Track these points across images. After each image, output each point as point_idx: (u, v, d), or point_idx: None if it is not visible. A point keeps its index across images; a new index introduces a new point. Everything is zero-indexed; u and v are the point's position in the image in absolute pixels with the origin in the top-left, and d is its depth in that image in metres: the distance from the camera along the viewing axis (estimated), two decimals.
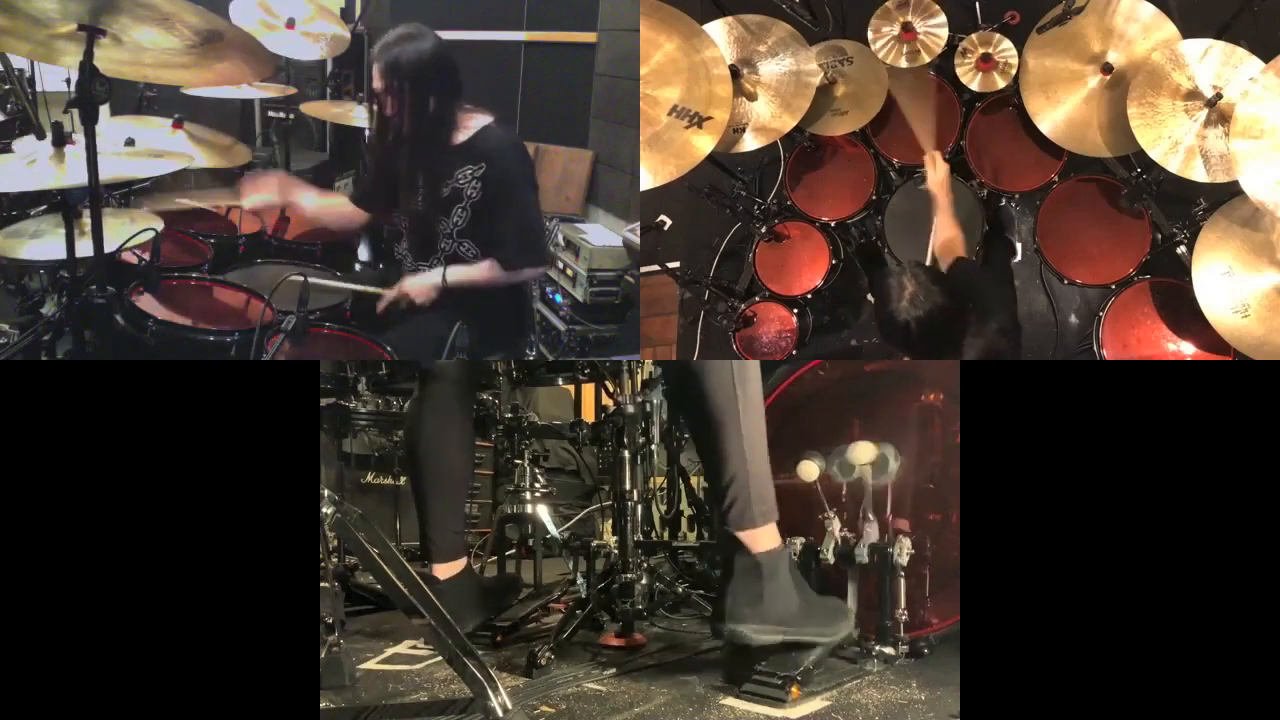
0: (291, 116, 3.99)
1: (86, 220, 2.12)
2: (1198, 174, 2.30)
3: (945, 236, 2.57)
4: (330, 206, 2.90)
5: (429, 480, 2.29)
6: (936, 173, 2.66)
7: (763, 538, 1.87)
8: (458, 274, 2.53)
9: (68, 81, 2.33)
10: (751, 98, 2.64)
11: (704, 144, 2.41)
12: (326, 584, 1.82)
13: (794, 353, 2.94)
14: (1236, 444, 1.40)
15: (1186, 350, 2.49)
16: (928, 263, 2.71)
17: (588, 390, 3.96)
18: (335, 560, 2.12)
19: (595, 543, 2.46)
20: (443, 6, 4.54)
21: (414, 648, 2.17)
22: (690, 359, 1.90)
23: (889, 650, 1.99)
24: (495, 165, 2.48)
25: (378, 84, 2.46)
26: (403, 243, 2.68)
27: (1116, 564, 1.39)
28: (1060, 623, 1.39)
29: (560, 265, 3.71)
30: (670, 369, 2.17)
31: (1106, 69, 2.54)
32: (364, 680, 1.90)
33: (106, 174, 2.03)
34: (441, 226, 2.54)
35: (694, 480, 3.07)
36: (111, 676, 1.35)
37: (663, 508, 3.06)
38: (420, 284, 2.53)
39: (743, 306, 2.98)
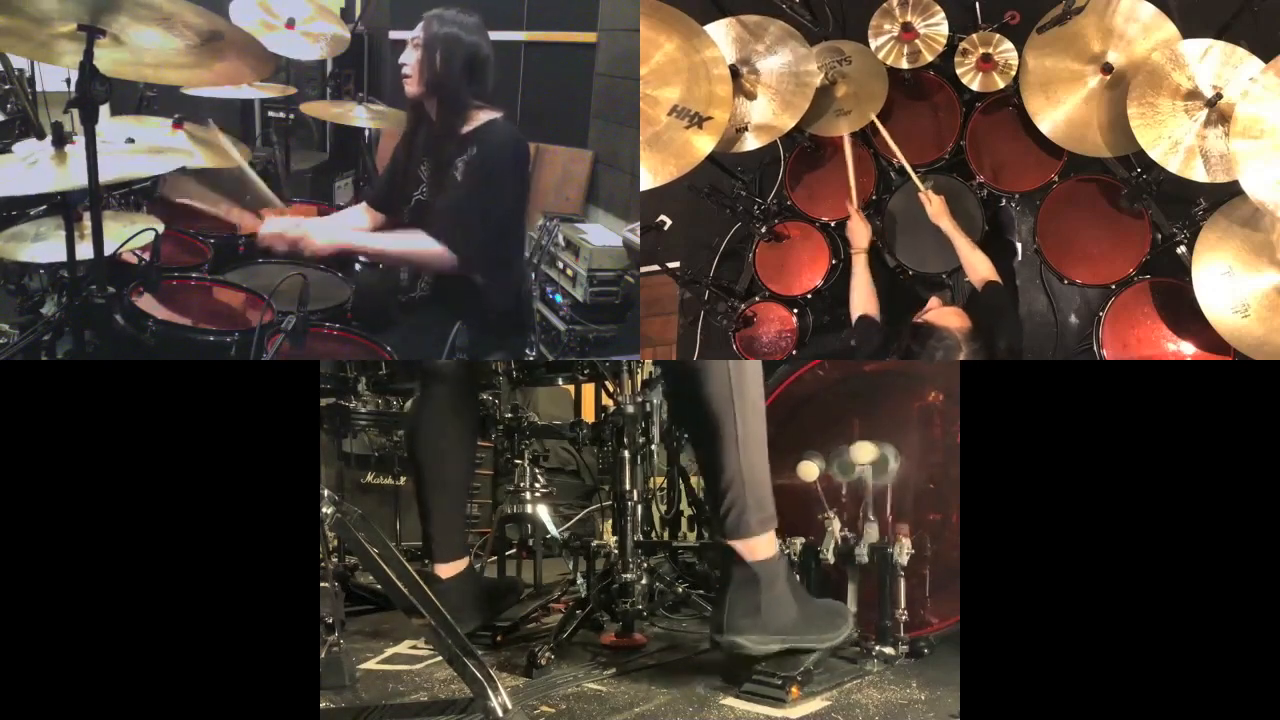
0: (291, 116, 4.00)
1: (87, 223, 2.11)
2: (1198, 174, 2.30)
3: (974, 268, 2.60)
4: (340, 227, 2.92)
5: (430, 480, 2.28)
6: (932, 206, 2.68)
7: (760, 546, 1.83)
8: (390, 242, 2.56)
9: (68, 81, 2.32)
10: (751, 97, 2.65)
11: (704, 144, 2.41)
12: (326, 584, 1.82)
13: (794, 353, 2.93)
14: (1236, 444, 1.40)
15: (1186, 350, 2.49)
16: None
17: (588, 390, 3.96)
18: (335, 560, 2.13)
19: (595, 543, 2.46)
20: (442, 6, 4.52)
21: (414, 648, 2.17)
22: (689, 360, 1.87)
23: (889, 650, 1.99)
24: (486, 153, 2.47)
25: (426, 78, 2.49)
26: None
27: (1116, 564, 1.39)
28: (1060, 622, 1.39)
29: (560, 265, 3.71)
30: (669, 370, 2.13)
31: (1106, 69, 2.54)
32: (364, 680, 1.90)
33: (107, 174, 2.03)
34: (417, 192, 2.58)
35: (694, 480, 3.06)
36: (112, 677, 1.35)
37: (663, 508, 3.05)
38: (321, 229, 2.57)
39: (743, 306, 2.98)
